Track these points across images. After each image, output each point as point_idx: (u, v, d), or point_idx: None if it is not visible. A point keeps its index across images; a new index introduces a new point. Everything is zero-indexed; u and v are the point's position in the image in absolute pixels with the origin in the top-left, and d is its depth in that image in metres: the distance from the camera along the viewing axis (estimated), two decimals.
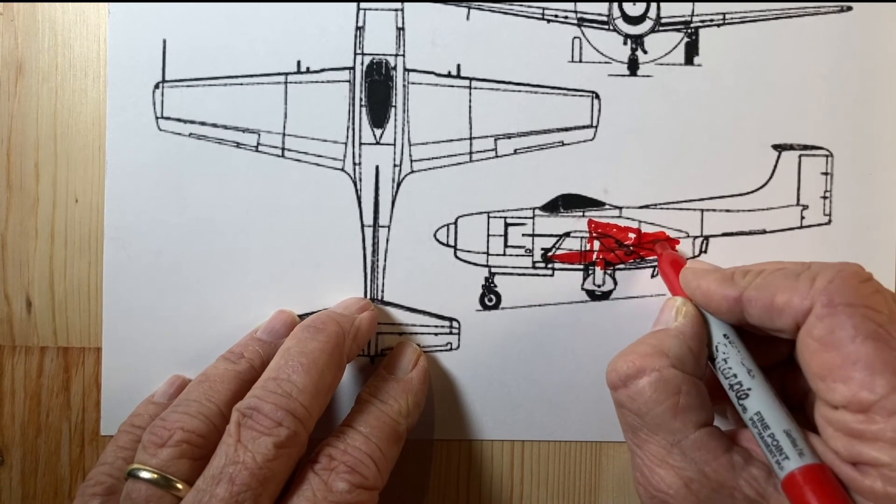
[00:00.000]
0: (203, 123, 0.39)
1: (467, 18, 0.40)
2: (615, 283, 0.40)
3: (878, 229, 0.40)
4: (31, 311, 0.40)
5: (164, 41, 0.39)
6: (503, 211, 0.40)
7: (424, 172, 0.40)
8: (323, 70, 0.40)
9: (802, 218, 0.40)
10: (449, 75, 0.40)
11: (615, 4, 0.40)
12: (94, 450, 0.40)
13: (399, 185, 0.40)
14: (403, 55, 0.40)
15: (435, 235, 0.40)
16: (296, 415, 0.32)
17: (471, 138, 0.40)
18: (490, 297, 0.40)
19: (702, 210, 0.40)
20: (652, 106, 0.40)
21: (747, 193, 0.40)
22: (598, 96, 0.40)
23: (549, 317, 0.40)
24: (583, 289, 0.40)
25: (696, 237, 0.40)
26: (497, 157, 0.40)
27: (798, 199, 0.40)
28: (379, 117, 0.40)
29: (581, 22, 0.40)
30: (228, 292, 0.40)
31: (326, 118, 0.40)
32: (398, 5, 0.39)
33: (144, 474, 0.32)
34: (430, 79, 0.40)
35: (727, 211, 0.40)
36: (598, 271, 0.40)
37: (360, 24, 0.40)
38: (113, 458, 0.35)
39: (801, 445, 0.29)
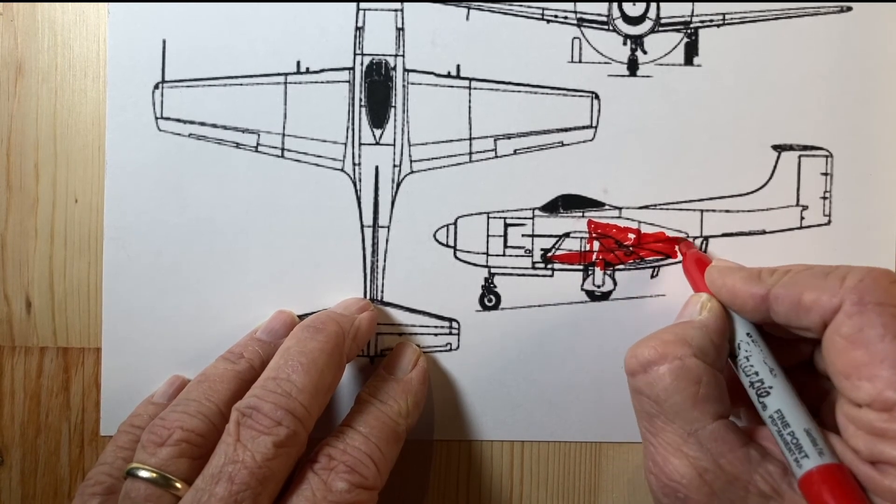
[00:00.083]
0: (203, 124, 0.39)
1: (467, 19, 0.40)
2: (615, 283, 0.40)
3: (878, 229, 0.40)
4: (31, 311, 0.40)
5: (164, 41, 0.39)
6: (503, 211, 0.40)
7: (424, 173, 0.40)
8: (323, 70, 0.40)
9: (802, 218, 0.40)
10: (449, 75, 0.40)
11: (615, 4, 0.40)
12: (93, 450, 0.40)
13: (399, 185, 0.40)
14: (403, 55, 0.40)
15: (435, 236, 0.40)
16: (295, 414, 0.32)
17: (470, 139, 0.40)
18: (490, 297, 0.40)
19: (702, 210, 0.40)
20: (652, 106, 0.40)
21: (747, 194, 0.40)
22: (597, 96, 0.40)
23: (549, 317, 0.40)
24: (582, 289, 0.40)
25: (695, 237, 0.40)
26: (497, 157, 0.40)
27: (798, 200, 0.40)
28: (379, 117, 0.40)
29: (581, 22, 0.40)
30: (228, 292, 0.40)
31: (326, 118, 0.40)
32: (398, 5, 0.39)
33: (143, 473, 0.32)
34: (430, 79, 0.40)
35: (727, 211, 0.40)
36: (598, 272, 0.40)
37: (360, 24, 0.40)
38: (112, 458, 0.35)
39: (820, 445, 0.29)
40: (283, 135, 0.40)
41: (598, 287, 0.40)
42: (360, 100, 0.40)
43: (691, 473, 0.31)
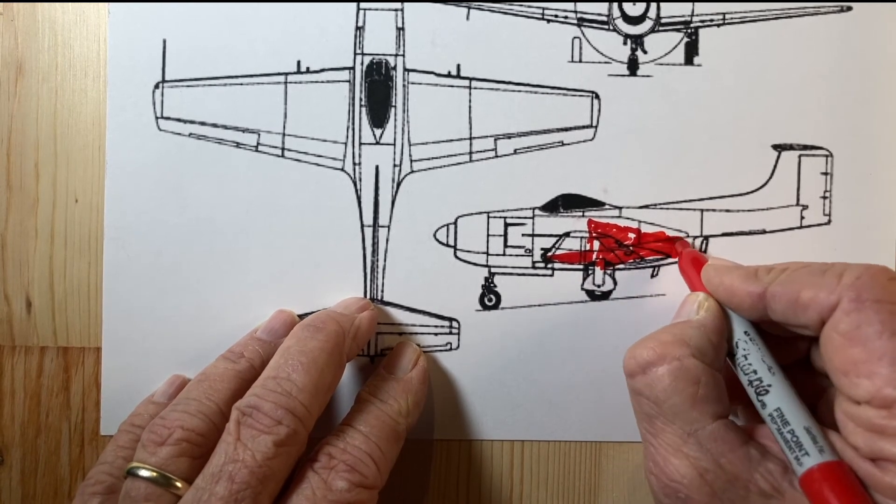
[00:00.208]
0: (203, 123, 0.39)
1: (467, 18, 0.40)
2: (615, 283, 0.40)
3: (878, 229, 0.40)
4: (31, 311, 0.40)
5: (164, 41, 0.39)
6: (503, 211, 0.40)
7: (424, 172, 0.40)
8: (323, 70, 0.40)
9: (802, 218, 0.40)
10: (449, 75, 0.40)
11: (615, 4, 0.40)
12: (93, 450, 0.40)
13: (399, 185, 0.40)
14: (403, 55, 0.40)
15: (435, 235, 0.40)
16: (295, 413, 0.32)
17: (471, 138, 0.40)
18: (490, 297, 0.40)
19: (702, 210, 0.40)
20: (652, 106, 0.40)
21: (747, 193, 0.40)
22: (597, 96, 0.40)
23: (549, 317, 0.40)
24: (582, 289, 0.40)
25: (695, 237, 0.40)
26: (497, 157, 0.40)
27: (798, 199, 0.40)
28: (379, 117, 0.40)
29: (581, 22, 0.40)
30: (228, 292, 0.40)
31: (326, 118, 0.40)
32: (398, 5, 0.40)
33: (144, 473, 0.32)
34: (430, 79, 0.40)
35: (727, 211, 0.40)
36: (598, 271, 0.40)
37: (360, 24, 0.40)
38: (113, 458, 0.35)
39: (820, 442, 0.29)
40: (284, 134, 0.40)
41: (598, 287, 0.40)
42: (361, 99, 0.40)
43: (692, 474, 0.31)
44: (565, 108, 0.40)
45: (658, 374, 0.32)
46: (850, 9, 0.40)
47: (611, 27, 0.40)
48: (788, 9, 0.40)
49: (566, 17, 0.40)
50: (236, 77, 0.39)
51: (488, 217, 0.40)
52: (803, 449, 0.29)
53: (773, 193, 0.40)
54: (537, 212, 0.40)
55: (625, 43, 0.40)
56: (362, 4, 0.40)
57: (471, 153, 0.40)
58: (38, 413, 0.40)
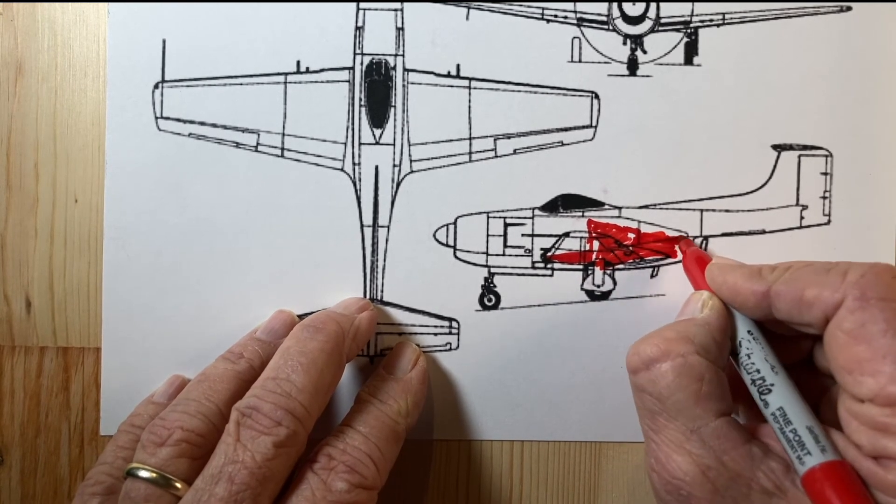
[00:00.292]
0: (203, 123, 0.39)
1: (467, 18, 0.40)
2: (615, 283, 0.40)
3: (877, 229, 0.40)
4: (31, 311, 0.40)
5: (164, 41, 0.39)
6: (503, 211, 0.40)
7: (424, 172, 0.40)
8: (322, 70, 0.40)
9: (802, 218, 0.40)
10: (448, 75, 0.40)
11: (615, 4, 0.40)
12: (93, 450, 0.40)
13: (399, 185, 0.40)
14: (403, 55, 0.40)
15: (434, 235, 0.40)
16: (295, 414, 0.32)
17: (470, 138, 0.40)
18: (489, 297, 0.40)
19: (701, 210, 0.40)
20: (652, 106, 0.40)
21: (747, 193, 0.40)
22: (597, 96, 0.40)
23: (549, 317, 0.40)
24: (582, 289, 0.40)
25: (695, 237, 0.40)
26: (497, 157, 0.40)
27: (798, 200, 0.40)
28: (378, 117, 0.40)
29: (581, 22, 0.40)
30: (228, 292, 0.40)
31: (326, 118, 0.40)
32: (398, 5, 0.39)
33: (143, 473, 0.32)
34: (430, 79, 0.40)
35: (727, 211, 0.40)
36: (598, 271, 0.40)
37: (360, 24, 0.40)
38: (112, 458, 0.35)
39: (823, 442, 0.29)
40: (283, 134, 0.40)
41: (598, 287, 0.40)
42: (360, 99, 0.40)
43: (694, 471, 0.31)
44: (565, 108, 0.40)
45: (662, 370, 0.32)
46: (850, 9, 0.40)
47: (610, 27, 0.40)
48: (788, 9, 0.40)
49: (566, 17, 0.40)
50: (236, 77, 0.39)
51: (488, 217, 0.40)
52: (805, 448, 0.29)
53: (772, 193, 0.40)
54: (537, 212, 0.40)
55: (624, 43, 0.40)
56: (362, 4, 0.40)
57: (470, 153, 0.40)
58: (38, 413, 0.40)
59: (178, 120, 0.39)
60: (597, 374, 0.40)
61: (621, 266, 0.40)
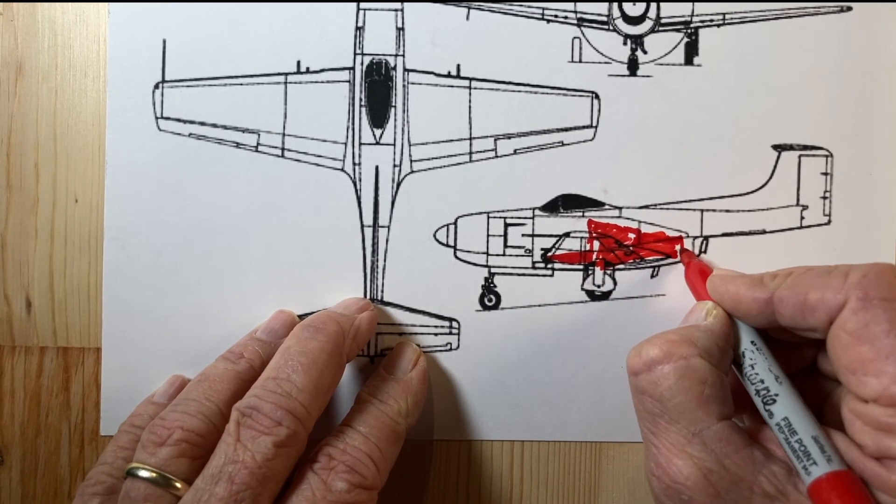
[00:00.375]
0: (203, 123, 0.39)
1: (467, 18, 0.40)
2: (615, 283, 0.40)
3: (877, 229, 0.40)
4: (31, 311, 0.40)
5: (164, 41, 0.39)
6: (503, 211, 0.40)
7: (424, 172, 0.40)
8: (323, 70, 0.40)
9: (802, 218, 0.40)
10: (449, 75, 0.40)
11: (615, 4, 0.40)
12: (93, 450, 0.40)
13: (399, 185, 0.40)
14: (403, 55, 0.40)
15: (435, 235, 0.40)
16: (295, 414, 0.32)
17: (470, 138, 0.40)
18: (490, 297, 0.40)
19: (702, 210, 0.40)
20: (652, 106, 0.40)
21: (747, 193, 0.40)
22: (597, 96, 0.40)
23: (549, 317, 0.40)
24: (582, 289, 0.40)
25: (695, 237, 0.40)
26: (497, 157, 0.40)
27: (798, 200, 0.40)
28: (379, 117, 0.40)
29: (581, 22, 0.40)
30: (228, 292, 0.40)
31: (326, 118, 0.40)
32: (398, 5, 0.39)
33: (143, 473, 0.32)
34: (430, 79, 0.40)
35: (727, 211, 0.40)
36: (598, 271, 0.40)
37: (360, 24, 0.40)
38: (113, 458, 0.35)
39: (828, 452, 0.29)
40: (283, 134, 0.40)
41: (598, 287, 0.40)
42: (361, 100, 0.40)
43: (696, 474, 0.30)
44: (565, 108, 0.40)
45: (664, 372, 0.32)
46: (850, 9, 0.40)
47: (611, 27, 0.40)
48: (788, 9, 0.40)
49: (566, 18, 0.40)
50: (236, 77, 0.39)
51: (488, 217, 0.40)
52: (811, 458, 0.29)
53: (773, 194, 0.40)
54: (537, 212, 0.40)
55: (625, 43, 0.40)
56: (362, 4, 0.40)
57: (471, 153, 0.40)
58: (38, 413, 0.40)
59: (179, 120, 0.39)
60: (597, 374, 0.40)
61: (622, 266, 0.40)
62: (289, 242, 0.40)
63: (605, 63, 0.40)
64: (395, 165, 0.40)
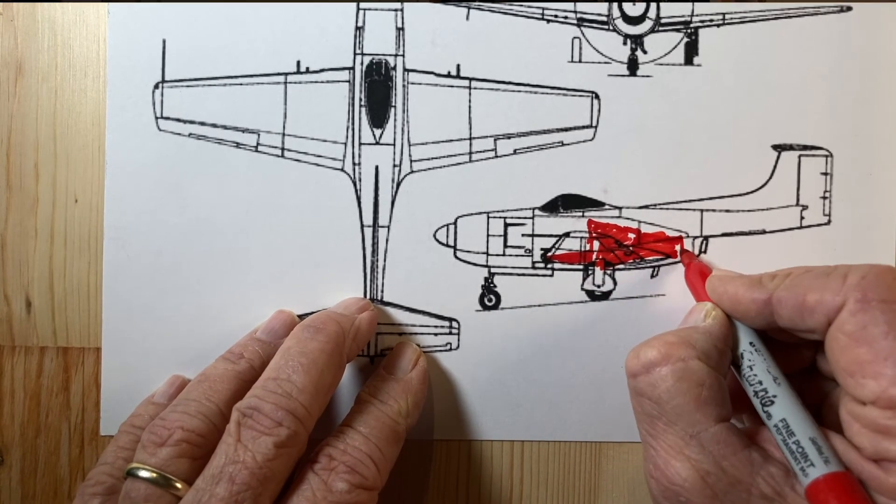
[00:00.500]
0: (203, 123, 0.39)
1: (467, 18, 0.40)
2: (615, 283, 0.40)
3: (877, 229, 0.40)
4: (31, 311, 0.40)
5: (164, 41, 0.39)
6: (503, 211, 0.40)
7: (424, 172, 0.40)
8: (322, 70, 0.40)
9: (802, 218, 0.40)
10: (449, 75, 0.40)
11: (615, 4, 0.40)
12: (93, 450, 0.40)
13: (399, 185, 0.40)
14: (403, 55, 0.40)
15: (435, 235, 0.40)
16: (296, 414, 0.32)
17: (470, 138, 0.40)
18: (490, 297, 0.40)
19: (701, 210, 0.40)
20: (652, 106, 0.40)
21: (747, 193, 0.40)
22: (597, 96, 0.40)
23: (549, 317, 0.40)
24: (582, 289, 0.40)
25: (695, 237, 0.40)
26: (497, 157, 0.40)
27: (798, 200, 0.40)
28: (378, 117, 0.40)
29: (581, 22, 0.40)
30: (228, 292, 0.40)
31: (326, 118, 0.40)
32: (398, 5, 0.39)
33: (143, 473, 0.32)
34: (430, 79, 0.40)
35: (727, 211, 0.40)
36: (598, 271, 0.40)
37: (360, 24, 0.40)
38: (113, 458, 0.35)
39: (826, 453, 0.29)
40: (283, 134, 0.40)
41: (598, 287, 0.40)
42: (360, 99, 0.40)
43: (693, 476, 0.30)
44: (565, 108, 0.40)
45: (662, 373, 0.32)
46: (850, 9, 0.40)
47: (611, 27, 0.40)
48: (788, 9, 0.40)
49: (566, 18, 0.40)
50: (236, 77, 0.39)
51: (488, 217, 0.40)
52: (809, 460, 0.29)
53: (772, 194, 0.40)
54: (537, 212, 0.40)
55: (625, 43, 0.40)
56: (362, 4, 0.40)
57: (470, 153, 0.40)
58: (38, 413, 0.40)
59: (179, 120, 0.39)
60: (597, 374, 0.40)
61: (621, 266, 0.40)
62: (289, 242, 0.40)
63: (605, 63, 0.40)
64: (394, 165, 0.40)
